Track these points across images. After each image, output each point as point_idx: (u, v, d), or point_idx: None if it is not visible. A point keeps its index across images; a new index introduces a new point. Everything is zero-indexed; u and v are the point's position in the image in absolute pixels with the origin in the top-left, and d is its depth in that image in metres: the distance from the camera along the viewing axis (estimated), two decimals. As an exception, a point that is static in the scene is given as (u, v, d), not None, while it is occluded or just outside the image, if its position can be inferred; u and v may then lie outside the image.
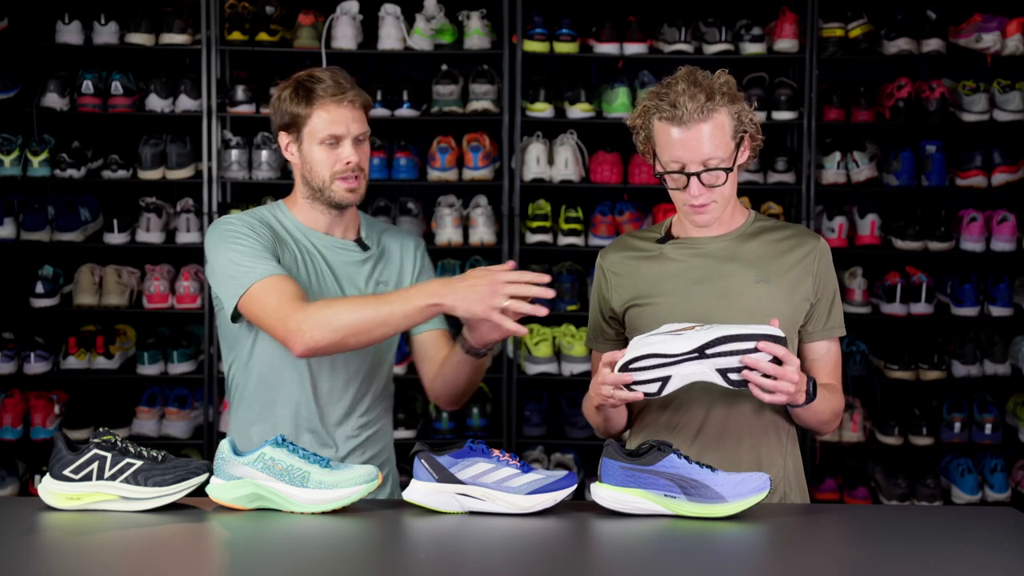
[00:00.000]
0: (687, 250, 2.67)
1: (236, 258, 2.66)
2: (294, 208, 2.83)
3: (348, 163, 2.72)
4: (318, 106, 2.71)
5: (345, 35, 4.90)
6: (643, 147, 2.64)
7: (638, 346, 2.42)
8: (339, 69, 2.82)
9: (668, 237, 2.71)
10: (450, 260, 5.14)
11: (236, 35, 4.89)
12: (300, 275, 2.76)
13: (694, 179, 2.54)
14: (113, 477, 2.36)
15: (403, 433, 4.88)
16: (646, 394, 2.44)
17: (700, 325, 2.43)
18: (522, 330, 2.49)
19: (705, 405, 2.62)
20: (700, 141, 2.52)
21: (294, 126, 2.75)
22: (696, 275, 2.64)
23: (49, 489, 2.38)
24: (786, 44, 4.95)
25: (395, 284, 2.86)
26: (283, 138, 2.79)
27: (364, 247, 2.85)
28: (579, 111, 5.00)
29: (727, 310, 2.59)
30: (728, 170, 2.55)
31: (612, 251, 2.76)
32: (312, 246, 2.80)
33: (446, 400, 2.88)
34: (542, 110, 4.98)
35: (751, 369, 2.37)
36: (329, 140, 2.71)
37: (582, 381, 5.00)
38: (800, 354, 2.69)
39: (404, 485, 2.44)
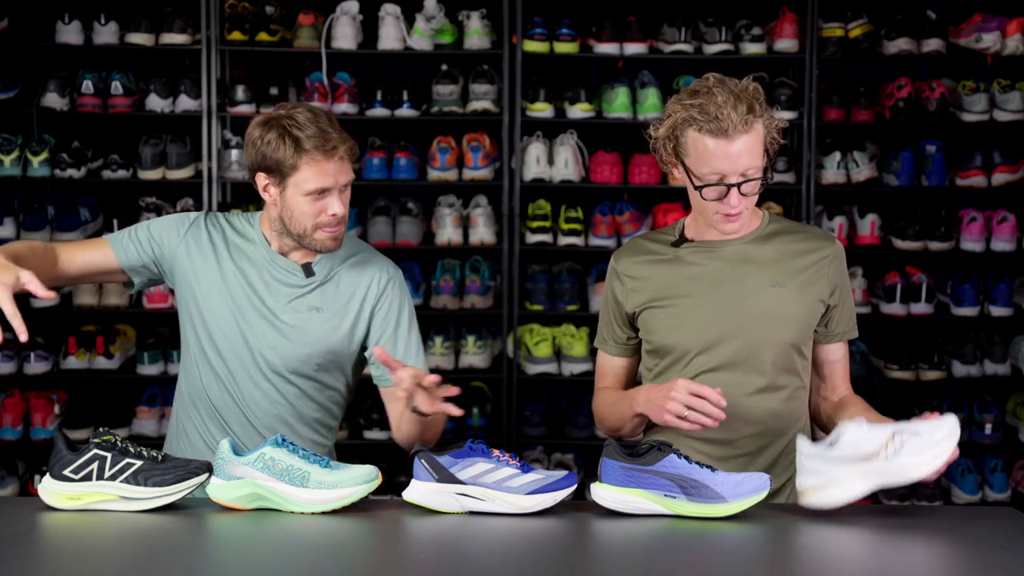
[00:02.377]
0: (703, 254, 2.68)
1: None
2: (264, 226, 2.79)
3: (333, 215, 2.65)
4: (308, 159, 2.60)
5: (345, 35, 4.90)
6: (668, 157, 2.60)
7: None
8: (321, 110, 2.68)
9: (682, 240, 2.71)
10: (450, 260, 5.14)
11: (236, 35, 4.89)
12: (245, 289, 2.76)
13: (734, 190, 2.53)
14: (113, 477, 2.36)
15: (403, 433, 4.88)
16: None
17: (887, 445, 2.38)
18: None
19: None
20: (742, 153, 2.51)
21: (277, 172, 2.64)
22: (712, 278, 2.64)
23: (49, 489, 2.38)
24: (786, 44, 4.95)
25: (335, 312, 2.76)
26: (261, 179, 2.68)
27: (309, 273, 2.77)
28: (579, 111, 5.00)
29: (742, 313, 2.61)
30: (765, 180, 2.55)
31: (626, 255, 2.75)
32: (266, 261, 2.78)
33: (406, 446, 2.76)
34: (542, 110, 4.98)
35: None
36: (316, 193, 2.63)
37: (582, 381, 5.00)
38: (816, 356, 2.71)
39: (404, 485, 2.44)
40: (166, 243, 2.80)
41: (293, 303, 2.76)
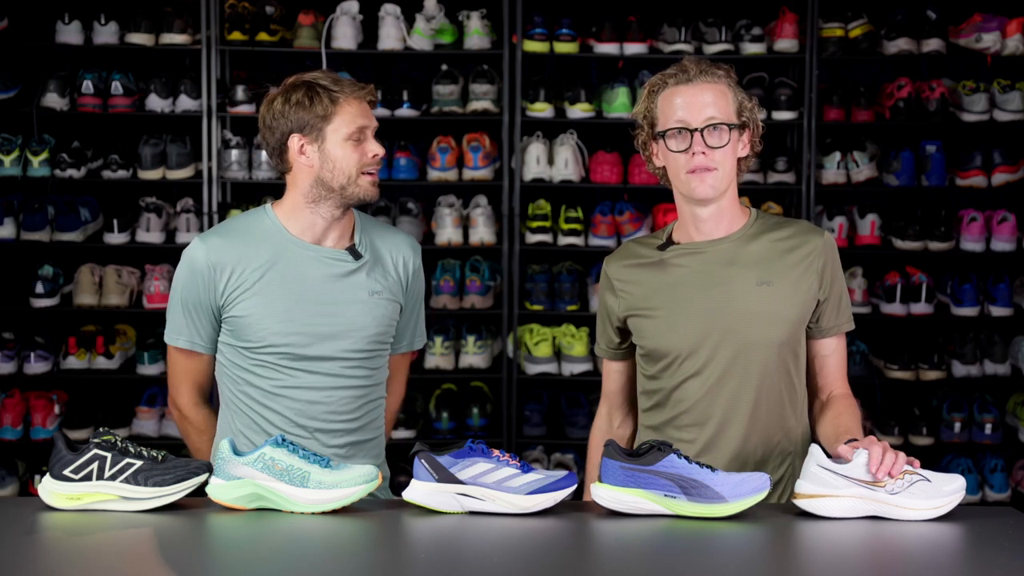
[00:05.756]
0: (688, 256, 2.66)
1: (171, 305, 2.81)
2: (284, 216, 2.78)
3: (375, 156, 2.72)
4: (343, 101, 2.70)
5: (345, 35, 4.91)
6: (645, 136, 2.63)
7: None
8: (325, 70, 2.84)
9: (669, 243, 2.69)
10: (450, 260, 5.14)
11: (236, 35, 4.89)
12: (278, 292, 2.71)
13: (697, 136, 2.54)
14: (113, 477, 2.36)
15: (403, 433, 4.88)
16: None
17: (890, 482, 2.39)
18: None
19: (707, 405, 2.62)
20: (704, 99, 2.54)
21: (313, 128, 2.70)
22: (698, 280, 2.63)
23: (49, 489, 2.38)
24: (786, 44, 4.96)
25: (387, 294, 2.79)
26: (295, 141, 2.72)
27: (357, 255, 2.78)
28: (579, 111, 5.00)
29: (729, 314, 2.59)
30: (732, 127, 2.55)
31: (616, 259, 2.74)
32: (300, 259, 2.74)
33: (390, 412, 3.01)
34: (542, 110, 4.98)
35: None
36: (356, 135, 2.71)
37: (582, 381, 5.01)
38: (809, 351, 2.69)
39: (404, 485, 2.44)
40: (205, 300, 2.75)
41: (364, 292, 2.76)
